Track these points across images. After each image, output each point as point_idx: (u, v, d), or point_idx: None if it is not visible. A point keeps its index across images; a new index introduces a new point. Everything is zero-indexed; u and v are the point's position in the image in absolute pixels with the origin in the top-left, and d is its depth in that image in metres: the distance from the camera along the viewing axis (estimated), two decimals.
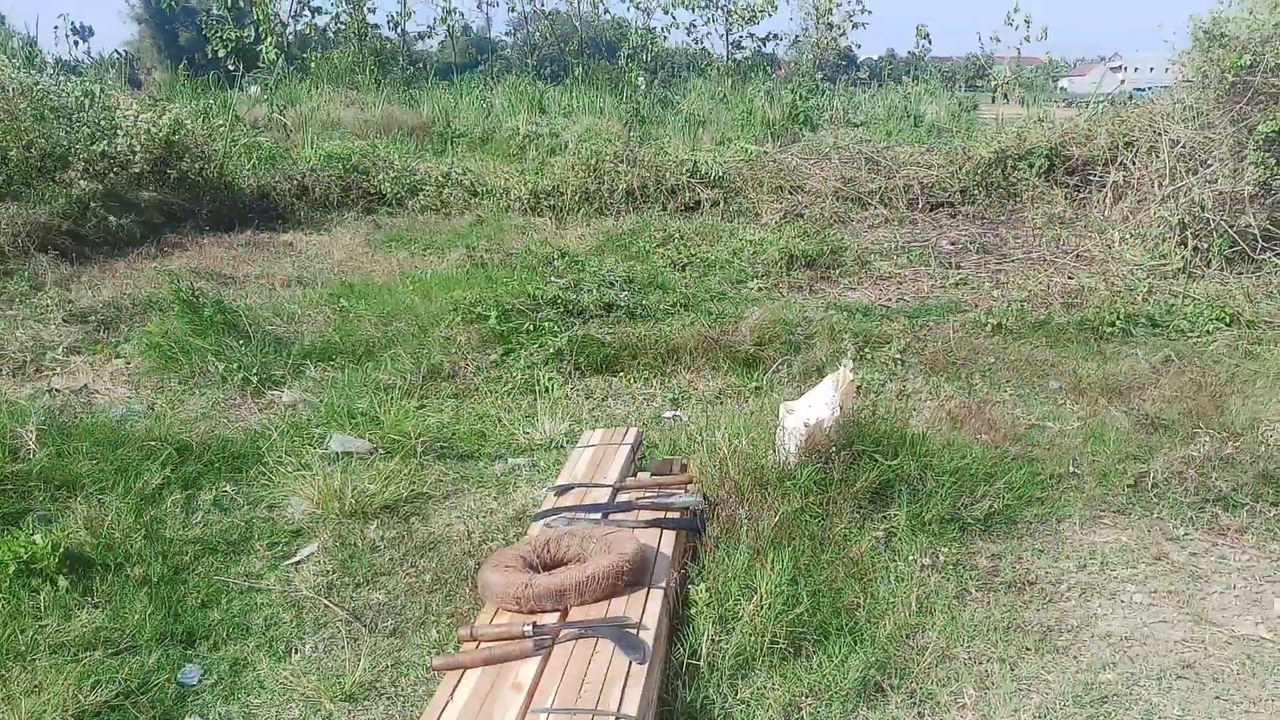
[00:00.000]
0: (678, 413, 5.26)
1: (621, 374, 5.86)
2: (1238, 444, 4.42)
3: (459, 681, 2.41)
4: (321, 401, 5.20)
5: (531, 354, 5.94)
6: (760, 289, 8.00)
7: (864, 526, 3.50)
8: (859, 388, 5.33)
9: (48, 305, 6.97)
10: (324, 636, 3.15)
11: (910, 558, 3.37)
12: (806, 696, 2.61)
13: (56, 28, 22.01)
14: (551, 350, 5.94)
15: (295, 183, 11.85)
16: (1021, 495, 3.99)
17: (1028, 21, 29.94)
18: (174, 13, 32.62)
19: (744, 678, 2.66)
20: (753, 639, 2.72)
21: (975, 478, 3.91)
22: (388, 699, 2.82)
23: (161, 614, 3.18)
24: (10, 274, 7.77)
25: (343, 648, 3.07)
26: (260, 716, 2.78)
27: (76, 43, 23.60)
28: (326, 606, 3.30)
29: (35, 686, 2.71)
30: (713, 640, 2.71)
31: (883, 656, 2.82)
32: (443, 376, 5.68)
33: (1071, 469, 4.35)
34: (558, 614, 2.66)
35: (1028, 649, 2.97)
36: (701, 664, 2.67)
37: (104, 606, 3.19)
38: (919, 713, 2.65)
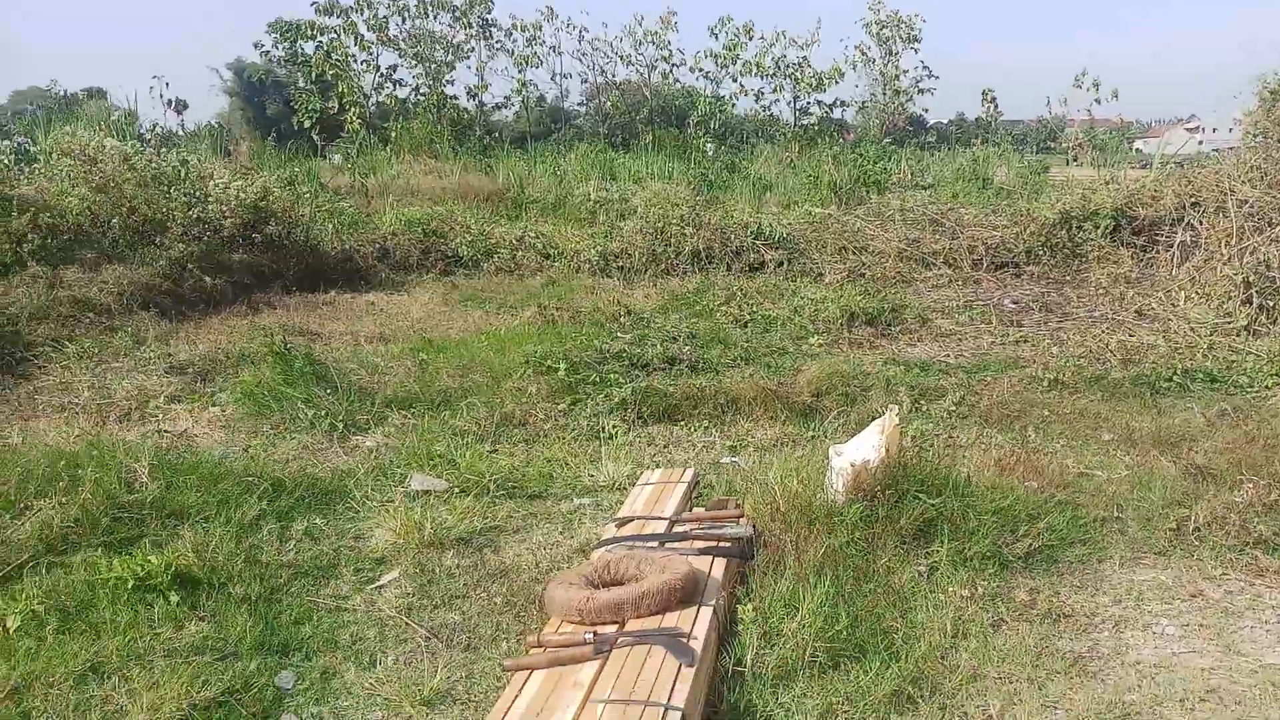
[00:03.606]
0: (735, 459, 5.52)
1: (682, 422, 6.14)
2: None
3: (526, 681, 2.69)
4: (403, 445, 5.57)
5: (597, 403, 6.26)
6: (820, 344, 8.24)
7: (906, 560, 3.71)
8: (912, 437, 5.55)
9: (150, 358, 7.51)
10: (404, 650, 3.46)
11: (950, 589, 3.57)
12: (842, 703, 2.84)
13: (152, 88, 23.21)
14: (616, 400, 6.25)
15: (377, 246, 12.47)
16: (1064, 536, 4.15)
17: (1096, 84, 30.05)
18: (263, 86, 34.31)
19: (784, 686, 2.89)
20: (794, 652, 2.96)
21: (1018, 518, 4.09)
22: (461, 704, 3.10)
23: (260, 628, 3.51)
24: (116, 330, 8.36)
25: (421, 660, 3.37)
26: (347, 717, 3.08)
27: (170, 103, 24.93)
28: (407, 624, 3.61)
29: (154, 683, 3.06)
30: (757, 652, 2.95)
31: (915, 673, 3.03)
32: (514, 424, 6.02)
33: (1115, 513, 4.49)
34: (616, 626, 2.93)
35: (1057, 672, 3.15)
36: (746, 672, 2.91)
37: (209, 620, 3.54)
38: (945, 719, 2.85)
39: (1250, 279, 9.17)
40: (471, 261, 12.43)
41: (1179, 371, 7.02)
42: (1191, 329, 8.77)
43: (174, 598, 3.59)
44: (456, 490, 4.88)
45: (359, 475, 5.05)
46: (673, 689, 2.51)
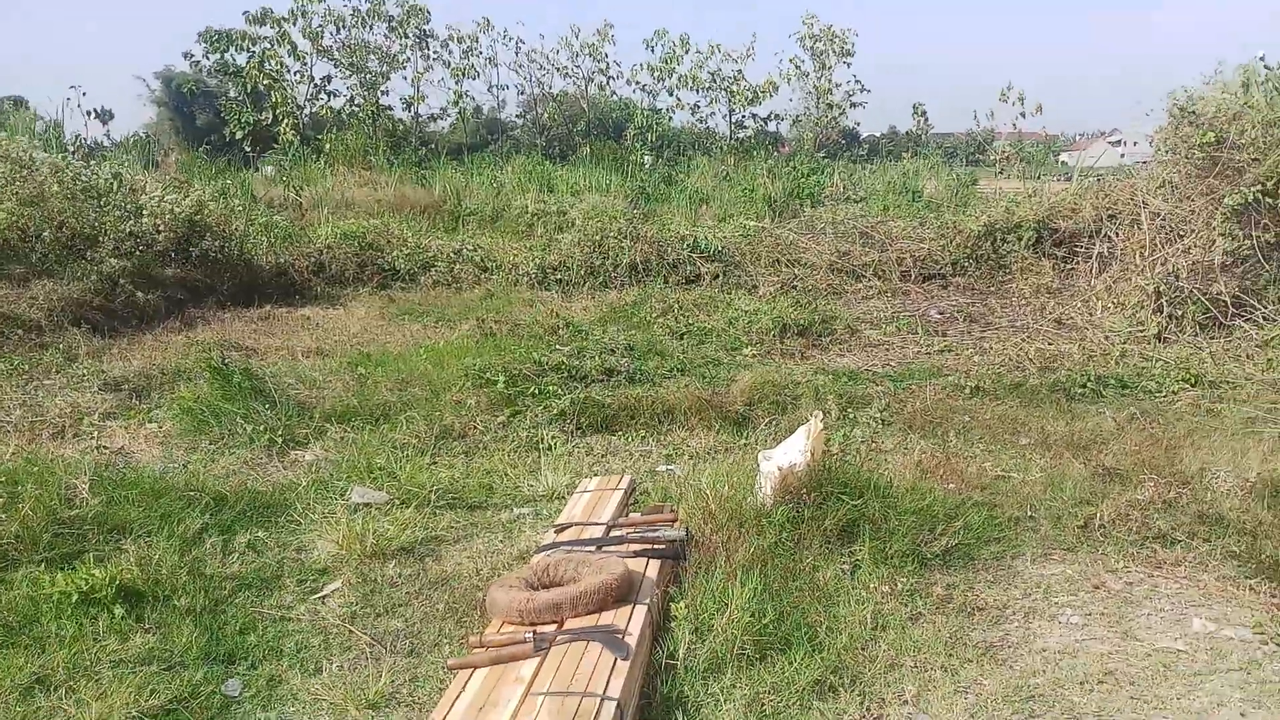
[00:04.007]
0: (671, 467, 5.69)
1: (620, 433, 6.29)
2: (1182, 489, 4.85)
3: (469, 679, 2.82)
4: (342, 459, 5.65)
5: (536, 415, 6.38)
6: (753, 355, 8.46)
7: (831, 559, 3.91)
8: (839, 444, 5.78)
9: (83, 375, 7.46)
10: (349, 657, 3.55)
11: (871, 585, 3.78)
12: (768, 693, 3.02)
13: (69, 99, 22.81)
14: (555, 411, 6.39)
15: (312, 260, 12.46)
16: (980, 535, 4.39)
17: (1022, 99, 30.94)
18: (192, 96, 33.82)
19: (714, 677, 3.06)
20: (723, 645, 3.14)
21: (936, 518, 4.32)
22: (406, 706, 3.21)
23: (205, 638, 3.59)
24: (46, 346, 8.27)
25: (366, 666, 3.47)
26: None
27: (89, 115, 24.53)
28: (351, 632, 3.71)
29: (101, 693, 3.12)
30: (689, 646, 3.12)
31: (837, 663, 3.22)
32: (454, 436, 6.13)
33: (1029, 513, 4.75)
34: (555, 625, 3.08)
35: (969, 660, 3.37)
36: (679, 665, 3.07)
37: (155, 631, 3.60)
38: (865, 706, 3.05)
39: (1161, 289, 9.60)
40: (409, 275, 12.47)
41: (1092, 378, 7.37)
42: (1106, 337, 9.18)
43: (119, 611, 3.65)
44: (397, 502, 4.97)
45: (300, 489, 5.12)
46: (609, 681, 2.66)
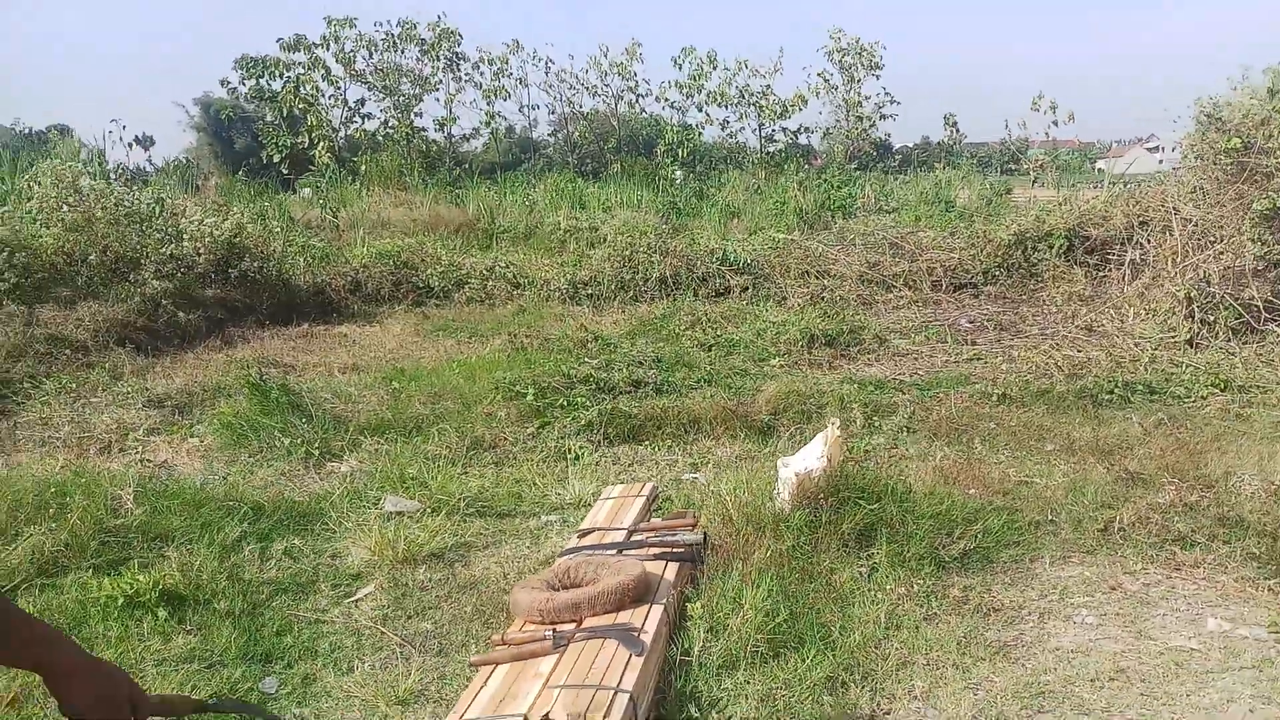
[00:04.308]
0: (696, 475, 5.78)
1: (647, 442, 6.40)
2: (1205, 493, 4.87)
3: (491, 674, 2.94)
4: (376, 469, 5.81)
5: (565, 426, 6.51)
6: (780, 366, 8.54)
7: (848, 562, 3.99)
8: (864, 451, 5.85)
9: (128, 392, 7.70)
10: (380, 657, 3.69)
11: (888, 587, 3.85)
12: (780, 688, 3.10)
13: (110, 132, 23.57)
14: (583, 422, 6.51)
15: (348, 279, 12.71)
16: (999, 539, 4.45)
17: (1054, 107, 30.83)
18: (230, 122, 34.56)
19: (728, 673, 3.16)
20: (737, 644, 3.23)
21: (954, 522, 4.38)
22: (434, 702, 3.34)
23: (243, 639, 3.74)
24: (93, 365, 8.55)
25: (396, 665, 3.60)
26: (328, 716, 3.31)
27: (131, 145, 25.32)
28: (382, 633, 3.85)
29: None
30: (704, 644, 3.22)
31: (849, 660, 3.31)
32: (484, 447, 6.27)
33: (1050, 517, 4.79)
34: (574, 624, 3.19)
35: (982, 659, 3.43)
36: (693, 662, 3.17)
37: (195, 633, 3.77)
38: (875, 702, 3.12)
39: (1192, 294, 9.56)
40: (443, 292, 12.68)
41: (1120, 384, 7.37)
42: (1136, 344, 9.15)
43: (162, 613, 3.82)
44: (428, 510, 5.12)
45: (334, 498, 5.28)
46: (623, 675, 2.77)
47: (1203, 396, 7.21)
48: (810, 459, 4.27)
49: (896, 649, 3.43)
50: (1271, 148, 9.38)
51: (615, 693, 2.66)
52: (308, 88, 28.67)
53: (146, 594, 3.86)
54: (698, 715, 2.76)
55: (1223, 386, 7.37)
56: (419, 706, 3.33)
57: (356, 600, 4.17)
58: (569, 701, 2.62)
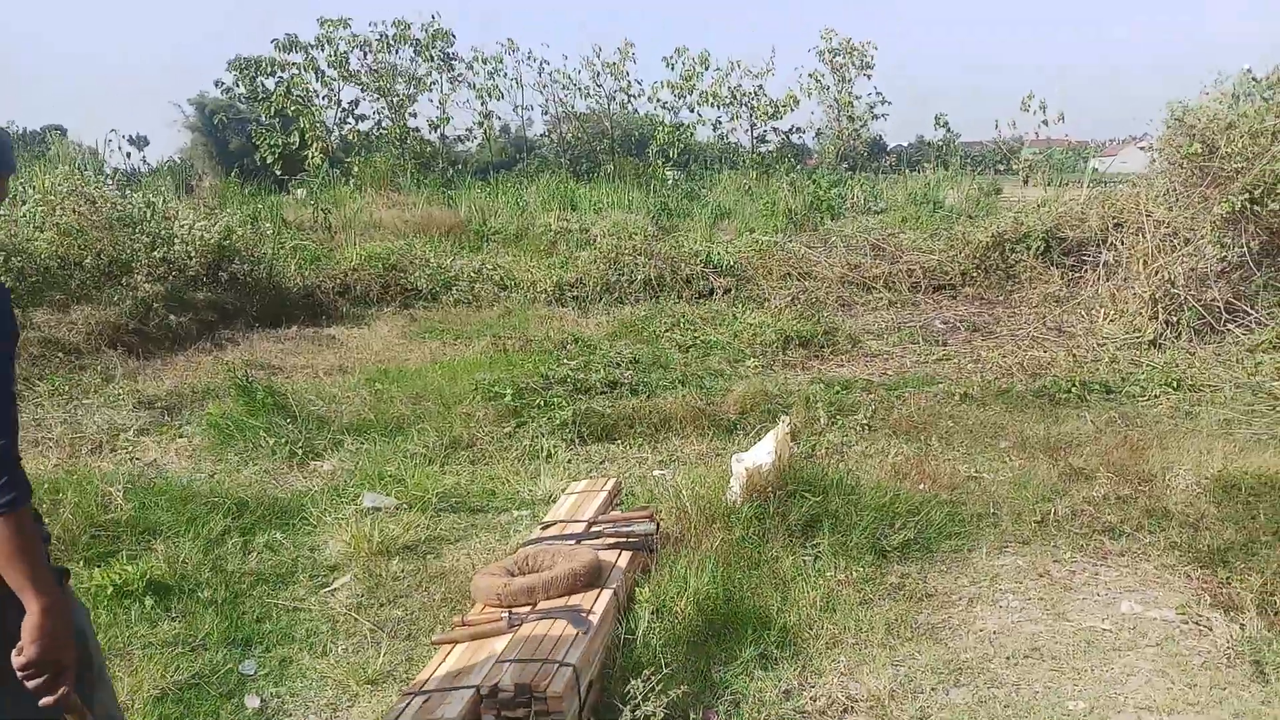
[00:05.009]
0: (664, 472, 6.05)
1: (619, 441, 6.66)
2: (1140, 487, 5.15)
3: (450, 651, 3.20)
4: (356, 468, 6.07)
5: (540, 426, 6.77)
6: (755, 367, 8.80)
7: (793, 550, 4.26)
8: (819, 448, 6.12)
9: (119, 395, 7.95)
10: (353, 642, 3.95)
11: (828, 574, 4.12)
12: (716, 663, 3.38)
13: (109, 141, 23.72)
14: (558, 422, 6.76)
15: (338, 281, 12.95)
16: (941, 530, 4.72)
17: (1044, 106, 31.09)
18: (225, 122, 34.74)
19: (670, 650, 3.42)
20: (680, 624, 3.50)
21: (898, 514, 4.65)
22: (401, 681, 3.60)
23: (225, 625, 4.00)
24: (85, 368, 8.79)
25: (367, 649, 3.87)
26: (303, 695, 3.57)
27: (129, 155, 25.49)
28: (355, 620, 4.11)
29: (133, 670, 3.55)
30: (649, 624, 3.48)
31: (782, 639, 3.58)
32: (462, 446, 6.53)
33: (991, 510, 5.07)
34: (529, 606, 3.45)
35: (908, 639, 3.71)
36: (638, 641, 3.44)
37: (180, 619, 4.03)
38: (803, 676, 3.40)
39: (1157, 296, 9.85)
40: (430, 294, 12.92)
41: (1076, 383, 7.64)
42: (1100, 344, 9.43)
43: (149, 601, 4.08)
44: (405, 506, 5.38)
45: (315, 495, 5.54)
46: (568, 650, 3.03)
47: (1155, 396, 7.48)
48: (761, 454, 4.54)
49: (829, 630, 3.71)
50: (1232, 152, 9.67)
51: (560, 665, 2.93)
52: (300, 89, 28.86)
53: (134, 583, 4.12)
54: (638, 687, 3.01)
55: (1176, 386, 7.64)
56: (388, 685, 3.59)
57: (333, 589, 4.43)
58: (517, 673, 2.88)
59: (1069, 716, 3.19)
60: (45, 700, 1.85)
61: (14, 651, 1.84)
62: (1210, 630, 3.72)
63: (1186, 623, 3.80)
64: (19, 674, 1.84)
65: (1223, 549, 4.35)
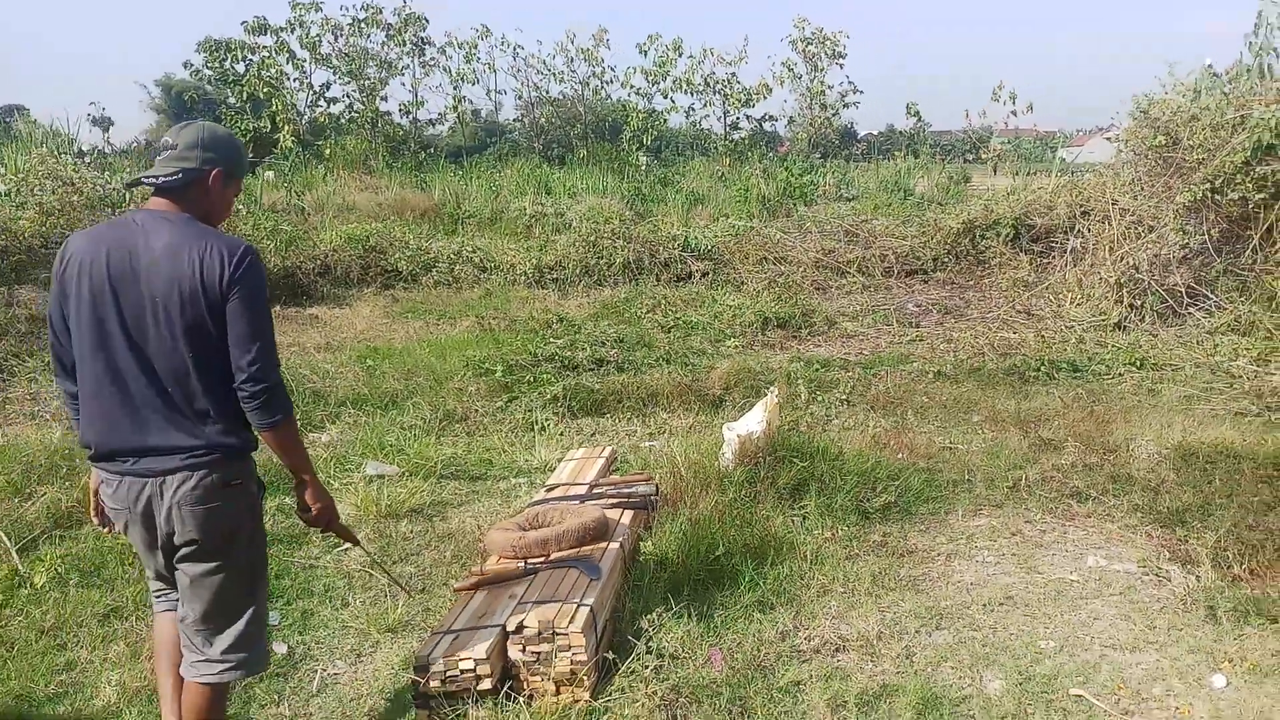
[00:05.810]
0: (653, 443, 6.31)
1: (608, 415, 6.90)
2: (1105, 456, 5.48)
3: (472, 597, 3.44)
4: (357, 438, 6.27)
5: (531, 400, 7.00)
6: (736, 347, 9.08)
7: (782, 511, 4.54)
8: (804, 420, 6.40)
9: None
10: (370, 595, 4.18)
11: (815, 532, 4.40)
12: (717, 607, 3.64)
13: (88, 115, 23.59)
14: (549, 397, 7.00)
15: (318, 263, 13.01)
16: (919, 495, 5.01)
17: (1013, 97, 31.60)
18: (193, 104, 34.45)
19: (674, 596, 3.68)
20: (681, 573, 3.76)
21: (878, 479, 4.94)
22: (421, 630, 3.83)
23: None
24: None
25: (384, 600, 4.09)
26: (327, 643, 3.79)
27: (103, 130, 25.34)
28: (371, 574, 4.33)
29: None
30: (653, 574, 3.74)
31: (777, 588, 3.85)
32: (456, 419, 6.74)
33: (966, 476, 5.37)
34: (542, 558, 3.69)
35: (892, 589, 3.99)
36: (644, 589, 3.69)
37: None
38: (797, 619, 3.67)
39: (1122, 281, 10.21)
40: (411, 276, 13.04)
41: (1046, 363, 7.98)
42: (1068, 326, 9.78)
43: None
44: (407, 474, 5.60)
45: (319, 463, 5.74)
46: (584, 594, 3.28)
47: (1120, 374, 7.83)
48: (752, 423, 4.80)
49: (819, 580, 3.98)
50: (1194, 144, 10.04)
51: (578, 606, 3.17)
52: (271, 71, 28.73)
53: None
54: (647, 629, 3.27)
55: (1139, 365, 8.00)
56: (407, 633, 3.82)
57: (345, 549, 4.64)
58: (539, 614, 3.12)
59: (1041, 653, 3.49)
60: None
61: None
62: (1169, 580, 4.04)
63: (1147, 574, 4.12)
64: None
65: (1181, 510, 4.67)
